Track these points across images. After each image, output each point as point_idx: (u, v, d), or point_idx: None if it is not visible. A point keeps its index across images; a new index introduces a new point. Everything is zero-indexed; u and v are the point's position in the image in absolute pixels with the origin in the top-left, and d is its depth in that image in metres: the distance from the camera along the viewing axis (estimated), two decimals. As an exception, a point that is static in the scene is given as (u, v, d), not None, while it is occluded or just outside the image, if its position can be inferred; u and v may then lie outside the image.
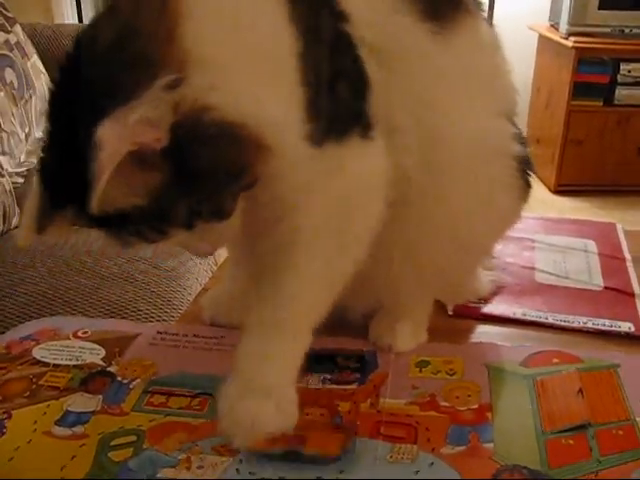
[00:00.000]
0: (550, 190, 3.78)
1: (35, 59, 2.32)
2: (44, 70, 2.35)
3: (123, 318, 1.38)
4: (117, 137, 0.53)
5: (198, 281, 1.66)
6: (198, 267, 1.72)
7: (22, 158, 2.08)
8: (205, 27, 0.59)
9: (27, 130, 2.15)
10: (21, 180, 1.98)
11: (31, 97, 2.21)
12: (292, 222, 0.69)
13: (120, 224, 0.61)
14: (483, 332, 0.91)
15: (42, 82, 2.31)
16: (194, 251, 0.72)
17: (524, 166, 0.80)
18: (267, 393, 0.69)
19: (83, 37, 0.61)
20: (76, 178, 0.55)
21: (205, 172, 0.59)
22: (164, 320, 1.43)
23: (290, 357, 0.72)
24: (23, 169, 2.04)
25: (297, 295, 0.71)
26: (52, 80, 0.61)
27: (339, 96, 0.67)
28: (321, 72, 0.65)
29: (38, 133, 2.23)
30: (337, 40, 0.67)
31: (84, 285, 1.47)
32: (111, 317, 1.36)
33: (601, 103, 3.70)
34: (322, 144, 0.66)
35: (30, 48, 2.32)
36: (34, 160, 2.11)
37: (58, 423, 0.73)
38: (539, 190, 3.73)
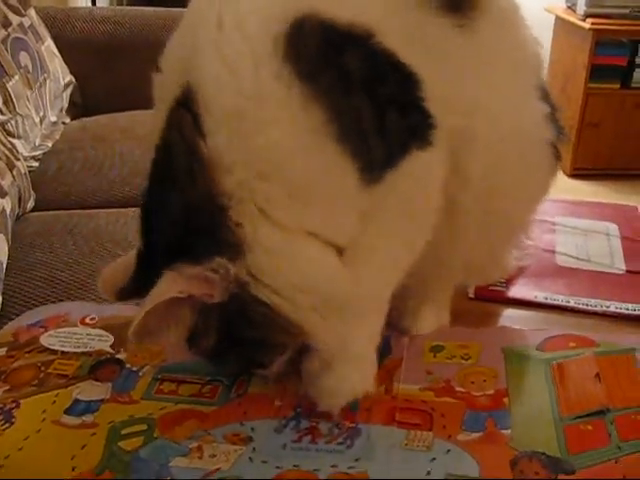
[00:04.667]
0: (566, 174, 3.74)
1: (49, 42, 2.31)
2: (58, 53, 2.34)
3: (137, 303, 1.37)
4: (170, 282, 0.61)
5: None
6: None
7: (37, 142, 2.07)
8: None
9: (42, 114, 2.13)
10: (36, 164, 1.97)
11: (45, 80, 2.19)
12: None
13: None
14: (504, 316, 0.90)
15: (56, 65, 2.30)
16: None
17: (557, 138, 0.80)
18: (355, 361, 0.72)
19: (151, 203, 0.67)
20: None
21: (248, 340, 0.66)
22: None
23: (372, 326, 0.74)
24: (38, 152, 2.03)
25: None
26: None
27: (392, 123, 0.66)
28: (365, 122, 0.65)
29: (52, 117, 2.23)
30: (369, 68, 0.65)
31: (95, 269, 1.44)
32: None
33: (618, 86, 3.64)
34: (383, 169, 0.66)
35: (44, 31, 2.31)
36: (49, 144, 2.10)
37: (67, 412, 0.73)
38: (555, 174, 3.67)
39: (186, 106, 0.62)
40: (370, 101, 0.64)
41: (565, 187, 3.58)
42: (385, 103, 0.65)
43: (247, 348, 0.67)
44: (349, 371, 0.71)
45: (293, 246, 0.63)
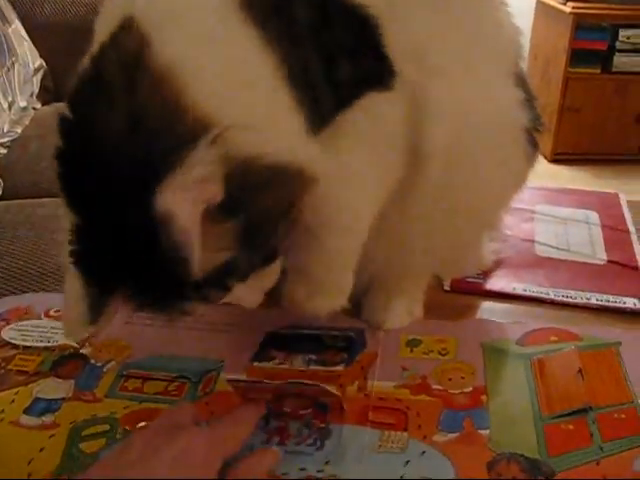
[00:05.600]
0: (547, 159, 3.73)
1: (17, 25, 2.24)
2: (27, 37, 2.28)
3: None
4: (187, 201, 0.52)
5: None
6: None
7: (5, 128, 2.00)
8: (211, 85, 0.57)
9: (10, 99, 2.07)
10: (4, 151, 1.92)
11: (13, 64, 2.13)
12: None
13: (183, 293, 0.59)
14: (481, 308, 0.87)
15: (25, 49, 2.23)
16: (243, 303, 0.67)
17: (533, 126, 0.77)
18: (337, 292, 0.72)
19: (85, 128, 0.58)
20: (129, 259, 0.55)
21: (260, 217, 0.59)
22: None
23: (349, 255, 0.72)
24: (6, 140, 1.97)
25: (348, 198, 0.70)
26: (61, 175, 0.59)
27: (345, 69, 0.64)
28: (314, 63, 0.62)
29: (22, 102, 2.17)
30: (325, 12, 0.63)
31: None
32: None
33: (599, 70, 3.62)
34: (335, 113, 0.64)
35: (11, 13, 2.24)
36: (18, 130, 2.05)
37: (27, 411, 0.70)
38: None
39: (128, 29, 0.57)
40: (318, 49, 0.62)
41: (546, 172, 3.58)
42: (336, 51, 0.63)
43: (256, 235, 0.60)
44: (335, 302, 0.72)
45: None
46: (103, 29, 0.59)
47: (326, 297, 0.72)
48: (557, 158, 3.71)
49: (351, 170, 0.67)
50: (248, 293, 0.65)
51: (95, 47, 0.59)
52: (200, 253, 0.54)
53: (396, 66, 0.65)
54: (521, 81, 0.75)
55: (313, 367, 0.74)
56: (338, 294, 0.72)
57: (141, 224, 0.52)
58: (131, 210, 0.53)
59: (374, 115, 0.66)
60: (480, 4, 0.73)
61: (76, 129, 0.58)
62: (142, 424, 0.67)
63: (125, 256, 0.55)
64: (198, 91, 0.55)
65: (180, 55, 0.55)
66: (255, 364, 0.75)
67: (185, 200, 0.52)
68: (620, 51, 3.57)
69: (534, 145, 0.78)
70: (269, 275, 0.65)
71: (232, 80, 0.58)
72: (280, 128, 0.60)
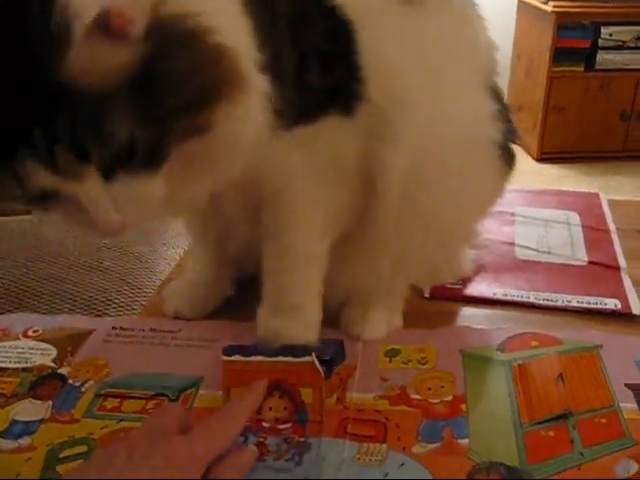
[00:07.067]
0: (533, 158, 3.74)
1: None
2: None
3: (92, 309, 1.33)
4: (95, 5, 0.48)
5: (171, 266, 1.61)
6: (171, 251, 1.66)
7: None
8: None
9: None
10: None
11: None
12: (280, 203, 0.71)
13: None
14: (462, 314, 0.87)
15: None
16: (101, 227, 0.57)
17: (507, 140, 0.76)
18: (294, 312, 0.76)
19: None
20: None
21: (169, 82, 0.53)
22: (134, 310, 1.38)
23: (309, 281, 0.76)
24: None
25: (304, 230, 0.74)
26: None
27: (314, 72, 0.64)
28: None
29: None
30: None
31: (51, 275, 1.41)
32: (79, 308, 1.30)
33: (582, 68, 3.64)
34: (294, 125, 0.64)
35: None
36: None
37: (3, 435, 0.68)
38: (522, 159, 3.67)
39: None
40: (293, 45, 0.62)
41: (533, 171, 3.59)
42: (310, 49, 0.63)
43: (155, 103, 0.54)
44: (293, 321, 0.75)
45: None
46: None
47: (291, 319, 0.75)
48: (544, 157, 3.72)
49: (299, 175, 0.69)
50: (108, 214, 0.56)
51: None
52: (82, 55, 0.48)
53: (363, 85, 0.65)
54: (496, 95, 0.75)
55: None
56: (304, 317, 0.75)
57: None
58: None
59: (331, 142, 0.67)
60: (456, 18, 0.74)
61: None
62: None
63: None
64: None
65: None
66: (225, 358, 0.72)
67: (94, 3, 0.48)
68: (603, 48, 3.59)
69: (509, 158, 0.78)
70: (143, 199, 0.57)
71: None
72: (234, 22, 0.58)
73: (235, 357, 0.70)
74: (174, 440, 0.58)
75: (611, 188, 3.36)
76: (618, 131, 3.75)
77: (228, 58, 0.56)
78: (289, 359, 0.69)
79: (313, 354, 0.69)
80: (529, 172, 3.54)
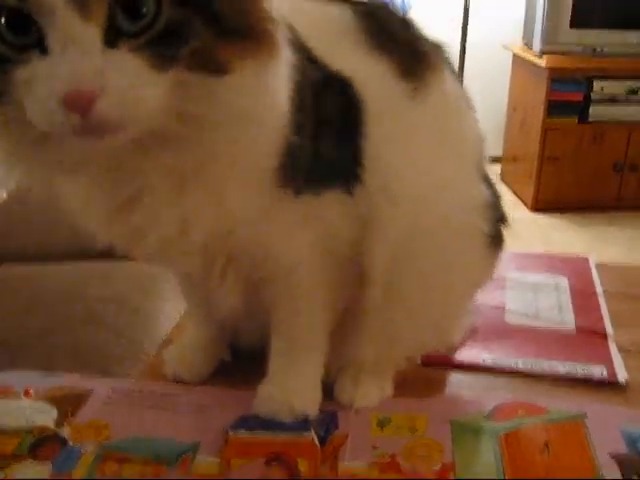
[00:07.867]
0: (528, 208, 3.77)
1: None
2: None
3: (89, 364, 1.34)
4: None
5: (169, 321, 1.61)
6: (169, 304, 1.67)
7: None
8: None
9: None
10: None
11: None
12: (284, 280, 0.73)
13: None
14: (452, 381, 0.89)
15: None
16: (66, 72, 0.47)
17: (497, 227, 0.80)
18: (299, 391, 0.79)
19: None
20: None
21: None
22: (132, 365, 1.39)
23: (311, 365, 0.80)
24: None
25: (307, 322, 0.78)
26: None
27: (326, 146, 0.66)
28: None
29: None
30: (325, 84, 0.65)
31: (45, 328, 1.41)
32: (76, 364, 1.31)
33: (576, 120, 3.70)
34: (300, 194, 0.66)
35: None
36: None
37: (4, 496, 0.69)
38: (518, 209, 3.72)
39: None
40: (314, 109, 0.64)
41: (529, 221, 3.62)
42: (326, 119, 0.65)
43: None
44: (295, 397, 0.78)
45: None
46: None
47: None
48: (539, 207, 3.76)
49: (306, 256, 0.71)
50: (92, 63, 0.48)
51: None
52: None
53: (363, 171, 0.68)
54: (486, 181, 0.78)
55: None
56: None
57: None
58: None
59: (331, 219, 0.69)
60: (452, 113, 0.77)
61: None
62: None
63: None
64: None
65: None
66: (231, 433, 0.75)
67: None
68: (595, 101, 3.65)
69: (498, 242, 0.81)
70: (143, 81, 0.50)
71: None
72: None
73: (241, 432, 0.73)
74: None
75: (607, 238, 3.40)
76: (611, 182, 3.79)
77: (272, 22, 0.56)
78: (290, 435, 0.72)
79: (312, 430, 0.71)
80: (524, 222, 3.57)
